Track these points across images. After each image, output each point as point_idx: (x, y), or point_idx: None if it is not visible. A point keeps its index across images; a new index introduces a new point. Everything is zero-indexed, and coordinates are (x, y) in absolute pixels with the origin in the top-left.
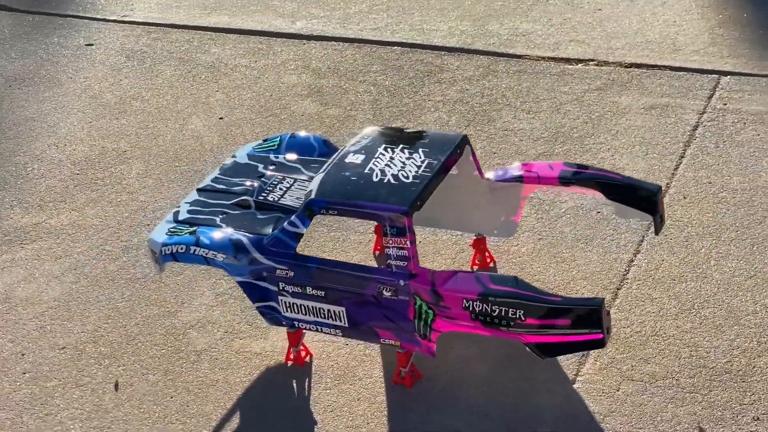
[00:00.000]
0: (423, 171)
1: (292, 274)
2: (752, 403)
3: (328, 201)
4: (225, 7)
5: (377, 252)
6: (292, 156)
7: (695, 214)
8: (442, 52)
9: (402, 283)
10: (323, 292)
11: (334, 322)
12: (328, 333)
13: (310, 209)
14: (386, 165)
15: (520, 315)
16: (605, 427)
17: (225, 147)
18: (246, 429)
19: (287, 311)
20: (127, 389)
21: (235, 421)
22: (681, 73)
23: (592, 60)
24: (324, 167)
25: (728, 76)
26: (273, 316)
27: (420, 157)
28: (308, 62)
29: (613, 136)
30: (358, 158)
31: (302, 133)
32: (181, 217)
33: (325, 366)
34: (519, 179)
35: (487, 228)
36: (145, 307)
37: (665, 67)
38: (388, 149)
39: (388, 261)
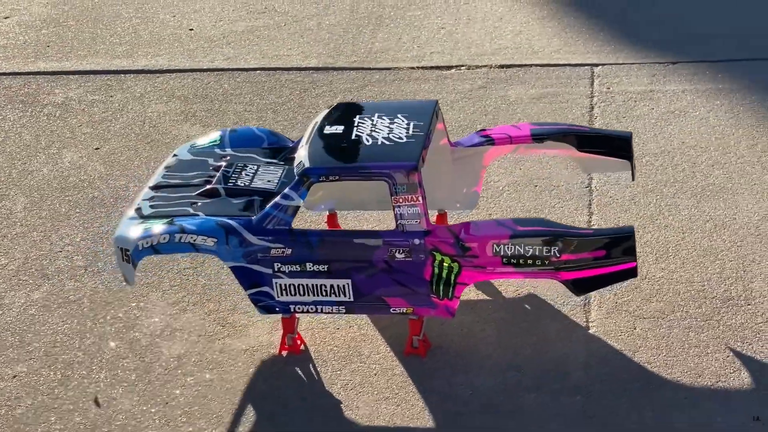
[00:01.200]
0: (413, 132)
1: (289, 251)
2: (766, 322)
3: (326, 167)
4: (49, 54)
5: None
6: (241, 148)
7: (629, 177)
8: (310, 71)
9: (417, 241)
10: (326, 266)
11: (338, 298)
12: (329, 312)
13: (305, 178)
14: (372, 131)
15: (554, 252)
16: (639, 361)
17: (114, 174)
18: (272, 419)
19: (282, 295)
20: (112, 403)
21: (251, 414)
22: (553, 68)
23: (463, 65)
24: (302, 141)
25: (599, 66)
26: (266, 304)
27: (403, 122)
28: (171, 92)
29: (518, 121)
30: (338, 129)
31: (242, 127)
32: (145, 213)
33: (324, 351)
34: (490, 142)
35: (450, 202)
36: (94, 327)
37: (536, 65)
38: (365, 118)
39: (398, 222)
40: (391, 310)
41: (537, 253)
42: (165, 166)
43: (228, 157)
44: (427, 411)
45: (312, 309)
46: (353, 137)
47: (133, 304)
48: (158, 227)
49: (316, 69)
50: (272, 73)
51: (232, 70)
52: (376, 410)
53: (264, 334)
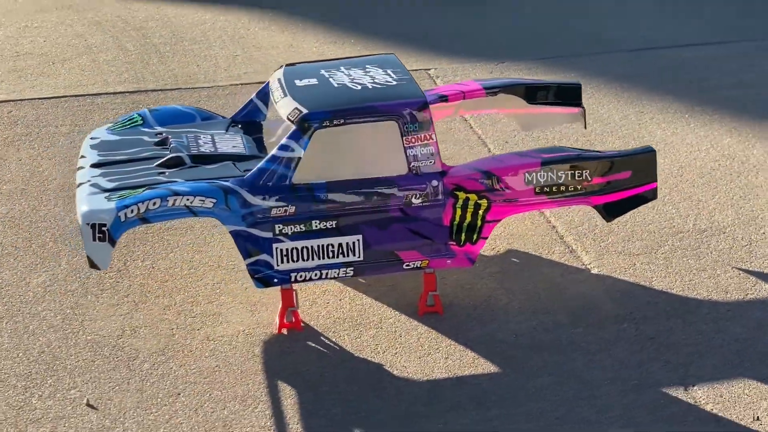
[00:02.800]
0: (399, 77)
1: (292, 209)
2: (751, 244)
3: (329, 110)
4: None
5: None
6: (173, 125)
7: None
8: (124, 94)
9: (435, 183)
10: (335, 222)
11: (346, 258)
12: (334, 277)
13: (306, 124)
14: (353, 79)
15: (586, 176)
16: (661, 288)
17: None
18: (314, 389)
19: (282, 262)
20: (112, 404)
21: (289, 390)
22: None
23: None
24: (278, 94)
25: (432, 69)
26: (264, 275)
27: (379, 70)
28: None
29: None
30: (311, 81)
31: (163, 106)
32: (108, 186)
33: (327, 323)
34: (443, 99)
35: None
36: (42, 335)
37: None
38: (333, 71)
39: (412, 164)
40: (404, 265)
41: (570, 179)
42: (91, 146)
43: (163, 133)
44: (482, 357)
45: (315, 275)
46: (336, 85)
47: (69, 311)
48: (143, 194)
49: (145, 92)
50: (87, 98)
51: (62, 97)
52: (426, 365)
53: (247, 316)
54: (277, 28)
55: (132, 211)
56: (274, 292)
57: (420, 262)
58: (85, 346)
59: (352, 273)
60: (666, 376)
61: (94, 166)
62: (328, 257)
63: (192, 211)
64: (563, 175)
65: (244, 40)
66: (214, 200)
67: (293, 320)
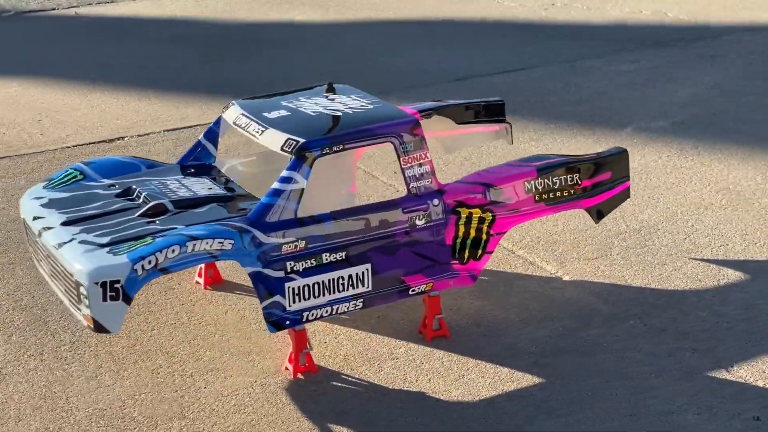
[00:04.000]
0: (368, 100)
1: (302, 244)
2: (688, 237)
3: (327, 137)
4: None
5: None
6: (118, 176)
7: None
8: None
9: (436, 202)
10: (344, 253)
11: (355, 290)
12: (344, 312)
13: (306, 153)
14: (324, 107)
15: (576, 179)
16: (644, 284)
17: None
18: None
19: (294, 302)
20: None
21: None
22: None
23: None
24: (254, 128)
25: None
26: (277, 317)
27: (344, 97)
28: None
29: None
30: (281, 112)
31: (99, 158)
32: (104, 241)
33: (338, 362)
34: None
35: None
36: (31, 420)
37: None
38: (293, 101)
39: (411, 185)
40: (410, 291)
41: (563, 184)
42: (42, 206)
43: (116, 186)
44: (519, 371)
45: (326, 311)
46: (312, 113)
47: (44, 389)
48: (157, 243)
49: None
50: None
51: None
52: (468, 386)
53: (247, 367)
54: (59, 90)
55: (150, 263)
56: (258, 339)
57: (425, 285)
58: (90, 422)
59: (361, 305)
60: (701, 362)
61: (66, 224)
62: (338, 291)
63: (213, 256)
64: (558, 181)
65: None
66: (233, 241)
67: (306, 363)
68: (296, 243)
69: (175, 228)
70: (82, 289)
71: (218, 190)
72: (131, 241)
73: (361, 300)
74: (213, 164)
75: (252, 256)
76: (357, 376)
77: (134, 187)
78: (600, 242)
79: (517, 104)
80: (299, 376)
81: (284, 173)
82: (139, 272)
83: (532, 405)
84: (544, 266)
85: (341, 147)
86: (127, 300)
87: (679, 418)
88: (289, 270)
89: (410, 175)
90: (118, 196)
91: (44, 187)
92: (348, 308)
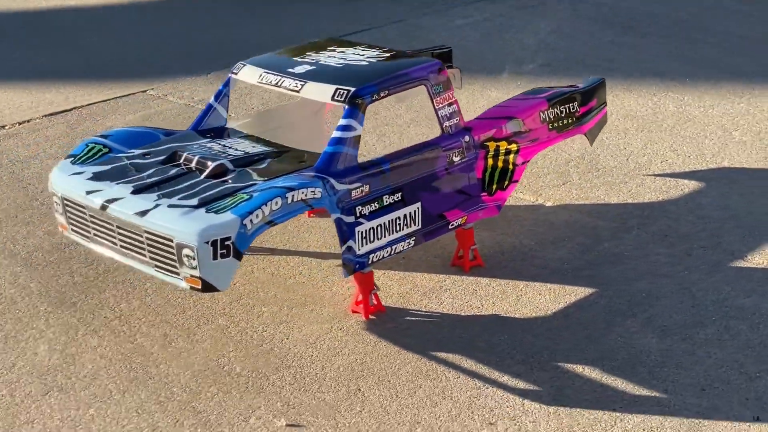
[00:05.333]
0: (387, 51)
1: (366, 188)
2: (629, 158)
3: (374, 83)
4: None
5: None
6: (145, 146)
7: None
8: None
9: (467, 138)
10: (400, 194)
11: (409, 229)
12: (399, 252)
13: (359, 101)
14: (343, 58)
15: (576, 107)
16: (620, 201)
17: None
18: (493, 347)
19: (362, 245)
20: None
21: (470, 357)
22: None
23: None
24: (290, 83)
25: (149, 90)
26: (350, 262)
27: (354, 49)
28: None
29: None
30: (307, 67)
31: (115, 130)
32: (194, 203)
33: (397, 299)
34: None
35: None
36: None
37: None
38: (307, 56)
39: (444, 125)
40: (449, 226)
41: (568, 112)
42: (89, 179)
43: (151, 154)
44: (568, 284)
45: (387, 252)
46: (338, 65)
47: (92, 412)
48: (258, 197)
49: None
50: None
51: None
52: (534, 303)
53: (313, 317)
54: None
55: (257, 216)
56: (302, 290)
57: (461, 219)
58: (198, 382)
59: (413, 243)
60: (719, 256)
61: (136, 192)
62: (396, 231)
63: (308, 205)
64: (564, 110)
65: None
66: (321, 189)
67: (375, 303)
68: (362, 188)
69: (254, 184)
70: (186, 251)
71: (262, 146)
72: (220, 199)
73: (413, 238)
74: (225, 126)
75: (333, 203)
76: (424, 309)
77: (180, 152)
78: (557, 171)
79: None
80: (371, 316)
81: (342, 122)
82: (249, 227)
83: (601, 311)
84: (522, 197)
85: (387, 93)
86: (238, 256)
87: (735, 302)
88: (358, 214)
89: (443, 115)
90: (164, 162)
91: (74, 163)
92: (403, 247)
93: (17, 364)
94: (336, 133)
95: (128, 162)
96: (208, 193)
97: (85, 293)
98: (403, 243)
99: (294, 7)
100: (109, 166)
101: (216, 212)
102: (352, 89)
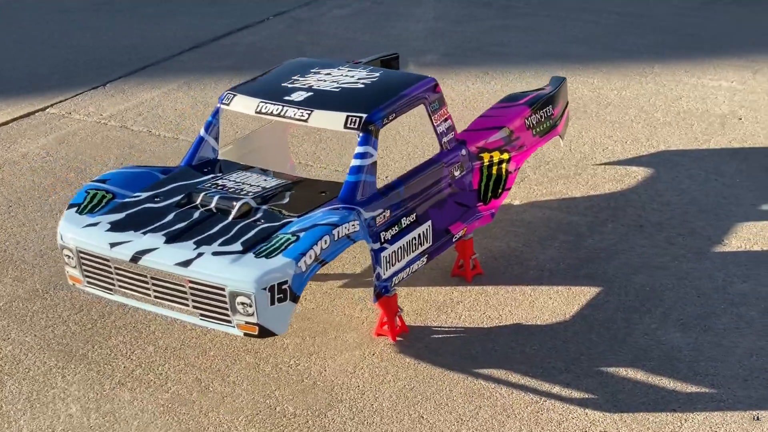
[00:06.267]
0: (376, 71)
1: (388, 213)
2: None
3: (381, 108)
4: None
5: None
6: (145, 188)
7: None
8: None
9: (464, 152)
10: (414, 215)
11: (422, 248)
12: (414, 271)
13: (372, 127)
14: (337, 81)
15: (551, 110)
16: (593, 194)
17: None
18: (537, 362)
19: (386, 269)
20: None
21: (520, 374)
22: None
23: None
24: (294, 113)
25: (53, 107)
26: (378, 288)
27: (337, 71)
28: None
29: None
30: (303, 93)
31: (108, 173)
32: (238, 248)
33: (413, 318)
34: None
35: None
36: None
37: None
38: (297, 82)
39: (442, 141)
40: (453, 239)
41: (546, 115)
42: (107, 231)
43: (161, 197)
44: (573, 285)
45: (406, 273)
46: (335, 89)
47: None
48: (306, 236)
49: None
50: None
51: None
52: (550, 307)
53: (340, 345)
54: None
55: (310, 257)
56: (316, 318)
57: (462, 231)
58: (253, 425)
59: (425, 261)
60: (699, 243)
61: (170, 241)
62: (413, 251)
63: (350, 239)
64: (543, 114)
65: None
66: (357, 221)
67: (399, 325)
68: (384, 213)
69: (289, 222)
70: (241, 299)
71: (273, 179)
72: (262, 242)
73: (426, 256)
74: (216, 159)
75: (367, 233)
76: (446, 325)
77: (194, 194)
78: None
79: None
80: (398, 338)
81: (359, 149)
82: (303, 269)
83: (616, 311)
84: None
85: (394, 115)
86: (294, 299)
87: (735, 289)
88: (382, 240)
89: (441, 131)
90: (180, 206)
91: (80, 212)
92: (418, 266)
93: (56, 428)
94: (355, 162)
95: (140, 209)
96: (246, 237)
97: (91, 342)
98: (418, 262)
99: (167, 7)
100: (123, 214)
101: (266, 256)
102: (364, 116)
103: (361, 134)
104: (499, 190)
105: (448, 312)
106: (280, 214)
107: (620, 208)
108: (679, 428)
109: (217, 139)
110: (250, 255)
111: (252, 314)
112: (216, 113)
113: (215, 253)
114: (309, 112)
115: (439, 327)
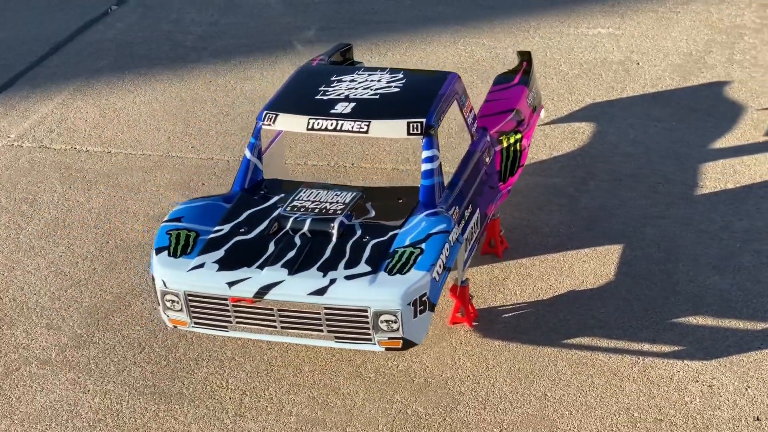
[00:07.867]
0: (399, 72)
1: (457, 209)
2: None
3: (433, 110)
4: None
5: None
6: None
7: None
8: None
9: (488, 138)
10: (470, 205)
11: (475, 234)
12: (470, 256)
13: (432, 130)
14: (369, 87)
15: (535, 85)
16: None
17: None
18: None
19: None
20: None
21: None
22: None
23: None
24: (351, 125)
25: None
26: (459, 281)
27: (360, 77)
28: None
29: None
30: (345, 104)
31: (176, 210)
32: (366, 270)
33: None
34: None
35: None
36: None
37: None
38: (331, 93)
39: (471, 131)
40: (486, 221)
41: (537, 94)
42: (217, 271)
43: (245, 229)
44: (635, 261)
45: (468, 262)
46: (373, 95)
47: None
48: (429, 247)
49: None
50: None
51: None
52: (591, 272)
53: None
54: None
55: (440, 267)
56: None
57: (493, 213)
58: None
59: (477, 246)
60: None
61: (293, 272)
62: (471, 240)
63: (458, 241)
64: (534, 92)
65: None
66: (454, 224)
67: (473, 307)
68: (456, 210)
69: (395, 235)
70: (385, 317)
71: (341, 192)
72: (385, 259)
73: (477, 241)
74: (262, 179)
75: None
76: (506, 303)
77: (283, 220)
78: (462, 137)
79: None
80: (473, 322)
81: (426, 153)
82: (437, 279)
83: (650, 264)
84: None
85: (442, 115)
86: (432, 308)
87: (737, 227)
88: (457, 239)
89: (470, 122)
90: (273, 234)
91: (174, 256)
92: (473, 253)
93: None
94: (425, 166)
95: (237, 242)
96: (366, 256)
97: (179, 379)
98: (473, 250)
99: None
100: (222, 251)
101: (401, 273)
102: (424, 120)
103: (425, 139)
104: (515, 168)
105: (500, 290)
106: (380, 227)
107: (589, 165)
108: None
109: (260, 158)
110: (383, 274)
111: (397, 329)
112: (257, 133)
113: (348, 277)
114: (367, 123)
115: (503, 306)
